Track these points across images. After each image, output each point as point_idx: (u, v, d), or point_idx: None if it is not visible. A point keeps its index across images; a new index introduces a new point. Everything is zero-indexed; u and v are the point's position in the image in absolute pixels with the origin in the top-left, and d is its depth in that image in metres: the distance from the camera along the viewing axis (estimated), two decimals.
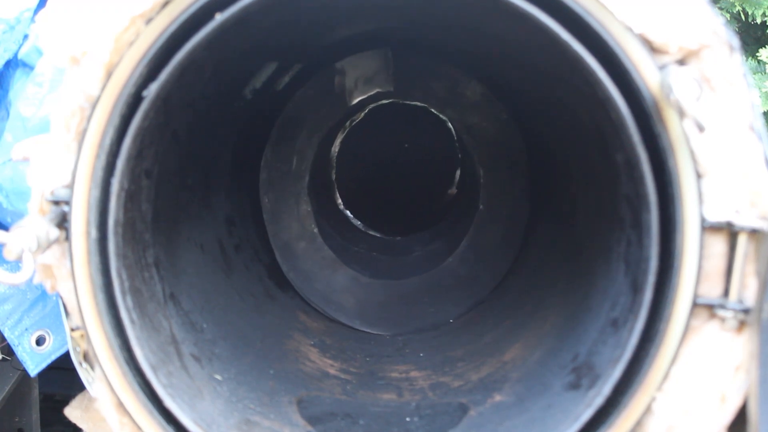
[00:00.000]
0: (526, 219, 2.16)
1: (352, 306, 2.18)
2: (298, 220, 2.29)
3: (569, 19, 1.04)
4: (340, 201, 3.13)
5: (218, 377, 1.37)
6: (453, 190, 3.08)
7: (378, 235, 3.02)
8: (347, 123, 2.79)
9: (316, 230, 2.30)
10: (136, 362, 1.15)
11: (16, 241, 1.01)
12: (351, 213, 3.10)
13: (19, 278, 1.04)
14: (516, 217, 2.17)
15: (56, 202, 1.14)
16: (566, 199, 1.86)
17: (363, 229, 3.04)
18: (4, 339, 1.80)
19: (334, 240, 2.43)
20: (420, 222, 3.12)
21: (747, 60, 3.91)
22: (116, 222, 1.13)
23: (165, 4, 1.09)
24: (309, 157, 2.28)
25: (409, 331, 2.13)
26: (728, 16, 4.18)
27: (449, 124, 2.32)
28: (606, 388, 1.10)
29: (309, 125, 2.26)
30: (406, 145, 3.33)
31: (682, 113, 0.99)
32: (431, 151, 3.22)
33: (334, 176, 3.14)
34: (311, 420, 1.40)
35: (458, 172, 3.04)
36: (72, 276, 1.13)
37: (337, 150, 3.16)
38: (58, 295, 1.20)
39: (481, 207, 2.21)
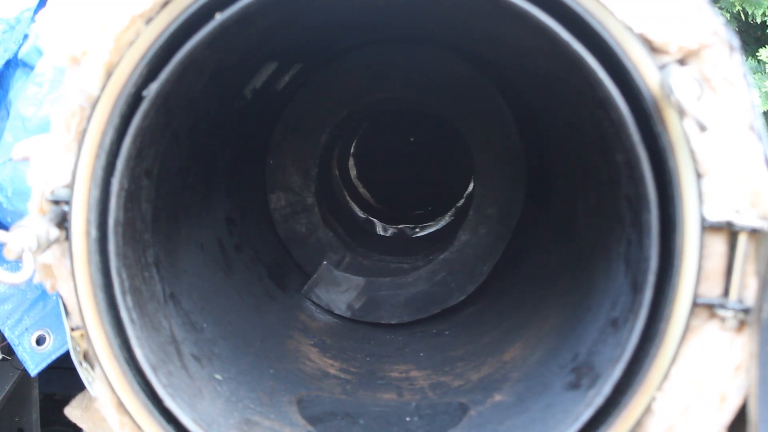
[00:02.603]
0: (520, 211, 2.20)
1: (404, 303, 2.21)
2: (305, 216, 2.30)
3: (569, 19, 1.04)
4: (346, 195, 3.15)
5: (218, 377, 1.37)
6: (456, 184, 3.10)
7: (382, 229, 3.03)
8: (352, 120, 2.81)
9: (322, 225, 2.32)
10: (136, 362, 1.15)
11: (16, 240, 1.01)
12: (357, 207, 3.12)
13: (19, 278, 1.04)
14: (511, 208, 2.21)
15: (56, 202, 1.14)
16: (566, 199, 1.86)
17: (368, 224, 3.06)
18: (4, 339, 1.81)
19: (340, 236, 2.45)
20: (423, 215, 3.14)
21: (747, 60, 3.91)
22: (116, 222, 1.13)
23: (165, 4, 1.09)
24: (315, 155, 2.29)
25: (415, 319, 2.17)
26: (728, 16, 4.19)
27: (451, 121, 2.33)
28: (606, 388, 1.10)
29: (313, 124, 2.26)
30: (412, 139, 3.36)
31: (682, 113, 0.99)
32: (433, 146, 3.25)
33: (338, 172, 3.15)
34: (311, 420, 1.40)
35: (461, 167, 3.07)
36: (72, 276, 1.13)
37: (342, 146, 3.19)
38: (58, 295, 1.20)
39: (479, 199, 2.23)
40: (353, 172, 3.37)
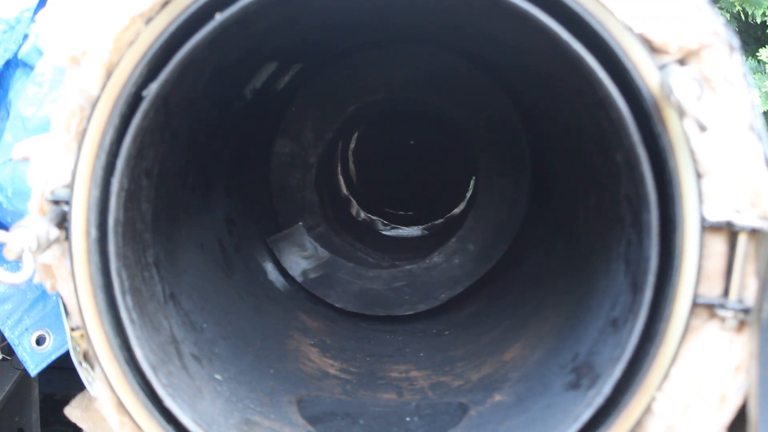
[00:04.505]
0: (499, 257, 2.21)
1: (355, 293, 2.22)
2: (300, 172, 2.30)
3: (569, 19, 1.04)
4: (339, 166, 3.14)
5: (218, 377, 1.37)
6: (457, 183, 3.09)
7: (356, 212, 3.03)
8: (353, 121, 2.80)
9: (311, 187, 2.32)
10: (136, 362, 1.15)
11: (16, 240, 1.01)
12: (358, 205, 3.11)
13: (19, 278, 1.04)
14: (492, 251, 2.22)
15: (56, 202, 1.14)
16: (566, 199, 1.86)
17: (346, 201, 3.05)
18: (4, 339, 1.80)
19: (323, 205, 2.45)
20: (426, 213, 3.13)
21: (747, 60, 3.90)
22: (116, 222, 1.13)
23: (165, 4, 1.08)
24: (336, 121, 2.29)
25: (358, 312, 2.19)
26: (728, 16, 4.18)
27: (453, 120, 2.32)
28: (606, 388, 1.10)
29: (314, 125, 2.27)
30: (412, 142, 3.36)
31: (682, 113, 0.99)
32: (436, 146, 3.25)
33: (340, 171, 3.15)
34: (311, 420, 1.40)
35: (463, 166, 3.06)
36: (72, 276, 1.13)
37: (343, 146, 3.18)
38: (58, 295, 1.20)
39: (466, 231, 2.24)
40: (352, 145, 3.35)
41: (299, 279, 2.21)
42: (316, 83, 2.24)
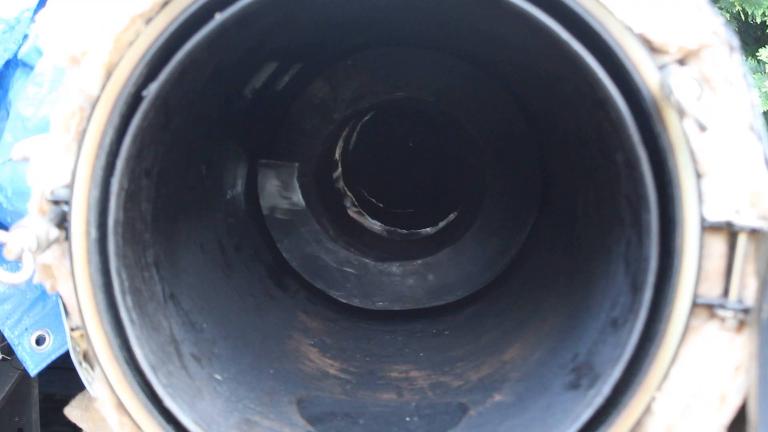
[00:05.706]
0: (535, 211, 2.16)
1: (305, 255, 2.22)
2: (320, 122, 2.27)
3: (569, 19, 1.04)
4: (337, 158, 3.10)
5: (218, 377, 1.37)
6: (436, 208, 3.06)
7: (351, 206, 3.00)
8: (354, 121, 2.77)
9: (323, 140, 2.29)
10: (136, 362, 1.15)
11: (16, 240, 1.01)
12: (357, 207, 3.09)
13: (19, 278, 1.04)
14: (525, 207, 2.17)
15: (56, 202, 1.14)
16: (566, 199, 1.86)
17: (340, 194, 3.03)
18: (4, 339, 1.81)
19: (323, 160, 2.43)
20: (392, 215, 3.10)
21: (747, 60, 3.91)
22: (116, 222, 1.13)
23: (165, 4, 1.09)
24: (342, 113, 2.26)
25: (347, 301, 2.18)
26: (728, 16, 4.19)
27: (456, 120, 2.31)
28: (606, 388, 1.10)
29: (358, 87, 2.23)
30: (411, 144, 3.32)
31: (682, 113, 0.99)
32: (439, 147, 3.22)
33: (341, 172, 3.13)
34: (311, 420, 1.40)
35: (466, 168, 3.02)
36: (72, 276, 1.13)
37: (343, 147, 3.15)
38: (58, 295, 1.20)
39: (488, 201, 2.21)
40: (365, 118, 3.31)
41: (264, 212, 2.18)
42: (379, 53, 2.19)
